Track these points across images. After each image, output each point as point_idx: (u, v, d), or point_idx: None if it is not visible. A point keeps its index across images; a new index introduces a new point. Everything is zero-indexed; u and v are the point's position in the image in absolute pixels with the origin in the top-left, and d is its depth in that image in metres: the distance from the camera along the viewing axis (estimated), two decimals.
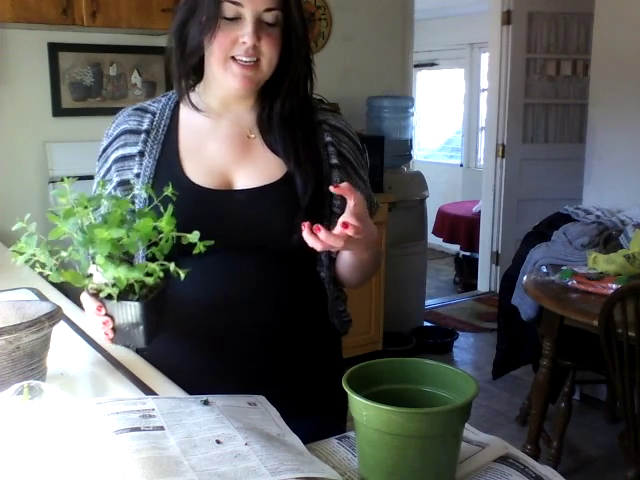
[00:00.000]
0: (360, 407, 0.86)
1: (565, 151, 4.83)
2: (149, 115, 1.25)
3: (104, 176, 1.26)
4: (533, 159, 4.90)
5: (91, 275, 1.03)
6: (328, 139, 1.25)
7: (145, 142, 1.22)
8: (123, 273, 0.97)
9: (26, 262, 1.02)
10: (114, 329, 1.02)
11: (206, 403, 0.99)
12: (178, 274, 0.99)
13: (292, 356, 1.25)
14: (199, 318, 1.22)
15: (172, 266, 1.00)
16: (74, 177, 1.09)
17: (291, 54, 1.19)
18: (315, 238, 1.00)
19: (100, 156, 1.28)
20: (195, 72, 1.22)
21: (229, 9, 1.12)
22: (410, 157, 4.39)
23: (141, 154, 1.22)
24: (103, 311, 1.01)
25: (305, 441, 0.96)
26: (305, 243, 1.04)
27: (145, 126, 1.24)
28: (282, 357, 1.24)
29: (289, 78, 1.20)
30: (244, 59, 1.14)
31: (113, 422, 0.88)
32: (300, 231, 1.06)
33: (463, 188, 7.03)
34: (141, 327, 1.01)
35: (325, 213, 1.21)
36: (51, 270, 1.01)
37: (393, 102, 4.14)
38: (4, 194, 3.13)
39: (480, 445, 1.00)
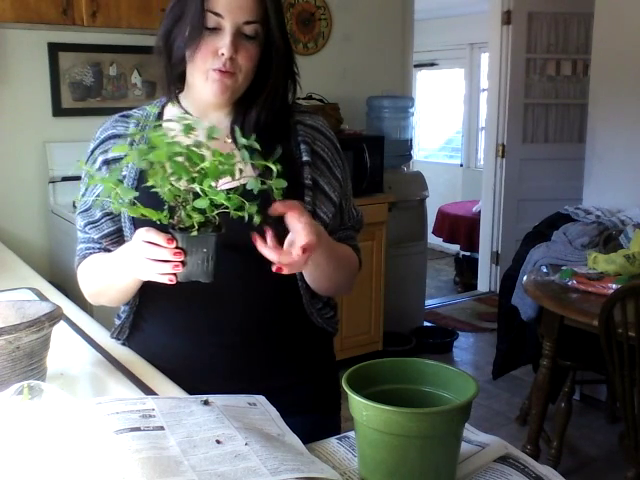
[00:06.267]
0: (360, 407, 0.86)
1: (565, 151, 4.83)
2: (134, 121, 1.29)
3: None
4: (533, 159, 4.90)
5: (166, 209, 1.02)
6: (301, 138, 1.26)
7: (130, 145, 1.24)
8: (224, 198, 0.97)
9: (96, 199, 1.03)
10: (183, 263, 1.02)
11: (206, 403, 0.99)
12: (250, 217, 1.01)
13: (273, 353, 1.27)
14: (177, 312, 1.25)
15: (254, 207, 1.00)
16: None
17: (270, 68, 1.20)
18: (274, 251, 1.03)
19: (87, 160, 1.31)
20: (180, 80, 1.25)
21: (210, 19, 1.14)
22: (410, 157, 4.39)
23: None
24: (175, 244, 1.01)
25: (300, 439, 0.97)
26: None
27: (130, 130, 1.27)
28: (263, 354, 1.26)
29: (266, 91, 1.21)
30: (222, 70, 1.16)
31: (113, 422, 0.88)
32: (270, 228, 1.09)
33: (463, 188, 7.03)
34: (212, 261, 1.02)
35: None
36: (123, 204, 1.00)
37: (393, 102, 4.14)
38: (4, 194, 3.13)
39: (480, 445, 1.00)
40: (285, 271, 1.04)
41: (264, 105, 1.22)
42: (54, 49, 3.17)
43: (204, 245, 1.01)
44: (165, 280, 1.04)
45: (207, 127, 1.03)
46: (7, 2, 2.68)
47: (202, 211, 0.99)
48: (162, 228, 1.03)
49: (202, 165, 0.97)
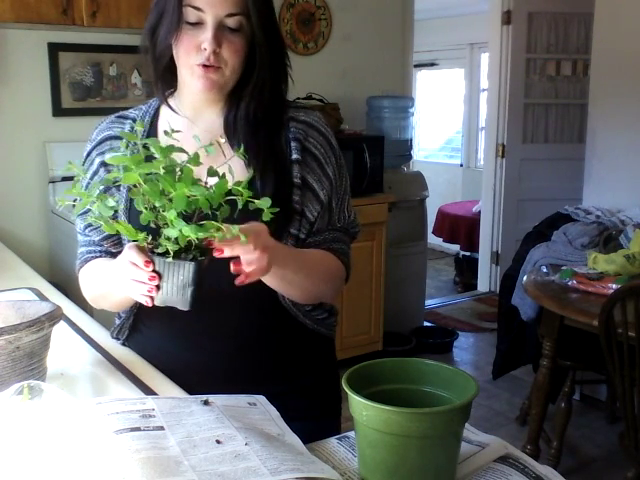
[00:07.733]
0: (360, 407, 0.86)
1: (565, 151, 4.83)
2: (129, 121, 1.28)
3: (91, 178, 1.28)
4: (533, 159, 4.90)
5: (145, 230, 0.97)
6: (292, 134, 1.24)
7: (127, 147, 1.23)
8: (193, 231, 0.91)
9: (77, 212, 1.02)
10: (158, 287, 0.98)
11: (206, 403, 0.99)
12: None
13: (271, 358, 1.27)
14: (175, 317, 1.22)
15: (235, 229, 0.95)
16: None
17: (254, 61, 1.18)
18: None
19: (84, 161, 1.30)
20: (172, 78, 1.23)
21: (191, 14, 1.13)
22: (410, 157, 4.39)
23: None
24: (151, 267, 0.98)
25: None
26: None
27: (127, 131, 1.26)
28: (261, 359, 1.26)
29: (252, 84, 1.20)
30: (206, 64, 1.15)
31: (113, 422, 0.88)
32: None
33: (463, 188, 7.03)
34: (190, 289, 0.97)
35: (288, 209, 1.20)
36: (105, 221, 0.96)
37: (393, 102, 4.14)
38: (4, 194, 3.13)
39: (480, 445, 1.00)
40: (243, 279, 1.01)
41: (252, 96, 1.20)
42: (54, 49, 3.17)
43: (181, 272, 0.96)
44: (143, 302, 1.02)
45: (204, 145, 1.00)
46: (7, 2, 2.67)
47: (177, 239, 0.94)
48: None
49: (171, 195, 0.91)
